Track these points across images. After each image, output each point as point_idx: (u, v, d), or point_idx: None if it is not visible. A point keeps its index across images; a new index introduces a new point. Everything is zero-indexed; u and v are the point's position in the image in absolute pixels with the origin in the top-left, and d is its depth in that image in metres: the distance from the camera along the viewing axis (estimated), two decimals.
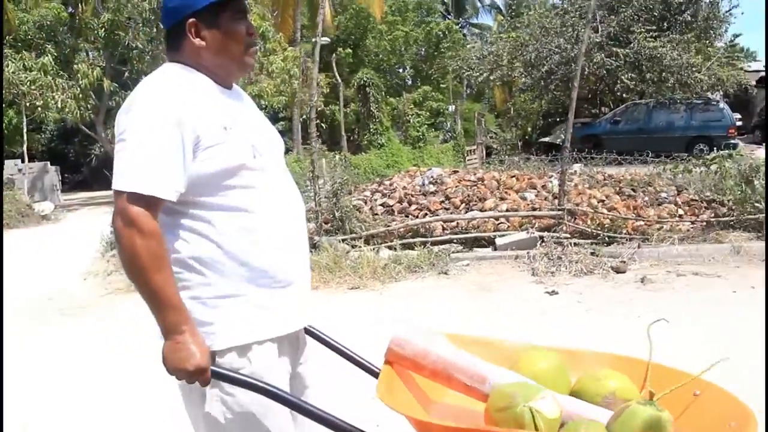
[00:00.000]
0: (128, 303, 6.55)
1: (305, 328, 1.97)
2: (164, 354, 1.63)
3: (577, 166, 11.21)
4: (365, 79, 18.49)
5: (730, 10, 21.58)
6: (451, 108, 32.41)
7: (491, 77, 23.16)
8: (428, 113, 28.47)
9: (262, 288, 1.74)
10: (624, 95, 21.44)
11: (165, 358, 1.63)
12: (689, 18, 21.15)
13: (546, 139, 22.17)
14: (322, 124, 23.77)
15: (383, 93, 20.22)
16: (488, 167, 14.42)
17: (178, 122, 1.63)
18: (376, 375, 1.85)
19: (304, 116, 20.79)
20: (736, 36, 27.86)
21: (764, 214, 7.51)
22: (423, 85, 32.28)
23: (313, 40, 26.57)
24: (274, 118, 23.55)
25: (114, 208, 1.64)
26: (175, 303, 1.62)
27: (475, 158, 20.19)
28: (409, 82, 37.10)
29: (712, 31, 21.71)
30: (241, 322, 1.71)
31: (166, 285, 1.60)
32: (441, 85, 30.39)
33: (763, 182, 7.81)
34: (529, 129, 23.90)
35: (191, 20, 1.75)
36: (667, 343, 4.66)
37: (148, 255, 1.58)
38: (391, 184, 10.39)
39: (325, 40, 25.60)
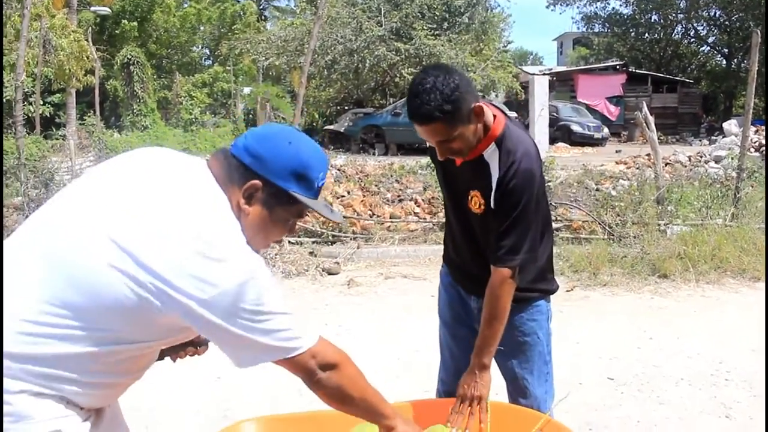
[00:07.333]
0: None
1: None
2: None
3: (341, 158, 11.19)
4: (129, 56, 17.32)
5: (505, 18, 23.00)
6: (247, 90, 31.63)
7: (277, 62, 22.89)
8: (220, 94, 27.55)
9: None
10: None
11: None
12: (467, 20, 22.18)
13: (330, 127, 22.29)
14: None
15: (149, 72, 19.14)
16: None
17: None
18: None
19: (79, 89, 19.25)
20: (509, 43, 29.64)
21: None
22: (218, 65, 31.22)
23: (91, 9, 24.87)
24: (48, 91, 21.58)
25: None
26: None
27: None
28: (207, 63, 35.80)
29: (485, 36, 22.94)
30: None
31: None
32: (235, 66, 29.63)
33: None
34: (317, 116, 23.90)
35: (257, 182, 1.50)
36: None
37: None
38: None
39: (105, 10, 23.85)
